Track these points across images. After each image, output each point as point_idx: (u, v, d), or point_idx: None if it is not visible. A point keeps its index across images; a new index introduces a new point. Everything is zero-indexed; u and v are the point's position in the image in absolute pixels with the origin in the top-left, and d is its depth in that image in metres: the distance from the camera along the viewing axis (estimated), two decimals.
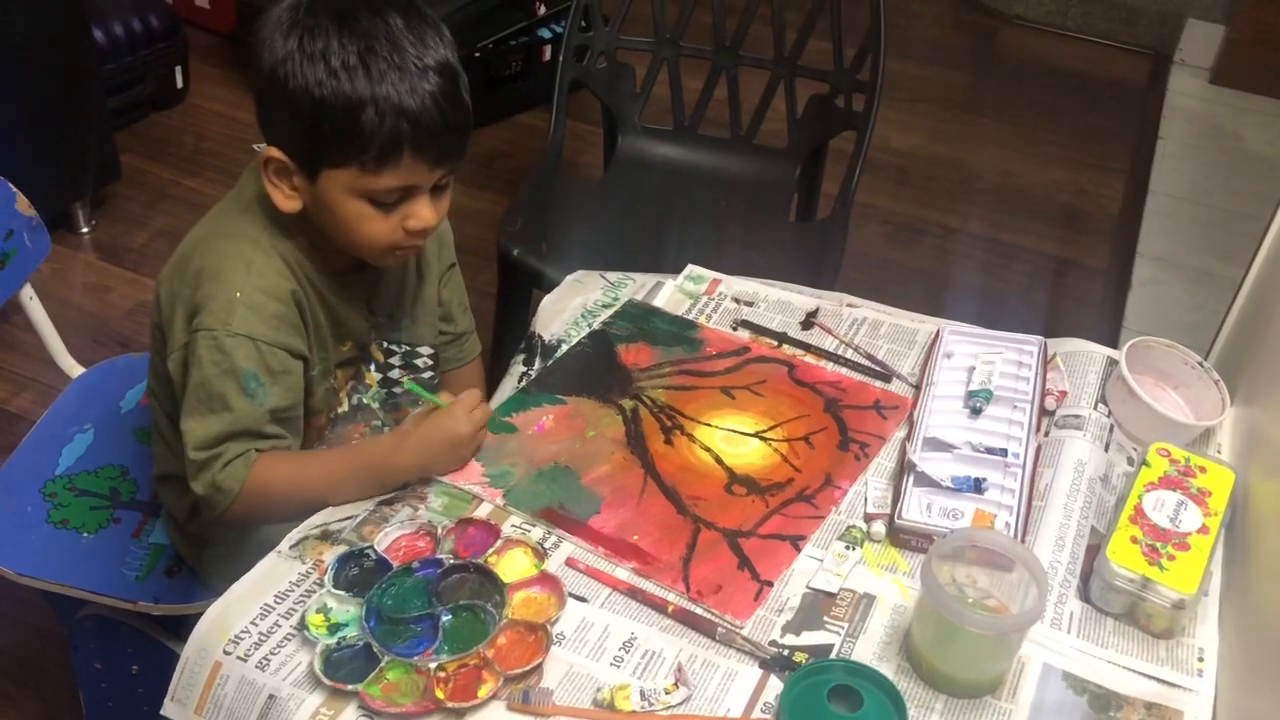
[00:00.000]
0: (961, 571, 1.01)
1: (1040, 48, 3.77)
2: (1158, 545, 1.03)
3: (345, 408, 1.27)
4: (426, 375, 1.33)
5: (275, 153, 1.09)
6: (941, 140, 3.23)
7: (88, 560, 1.35)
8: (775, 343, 1.32)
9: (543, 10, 2.99)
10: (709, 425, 1.21)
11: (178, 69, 2.91)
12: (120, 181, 2.62)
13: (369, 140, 1.05)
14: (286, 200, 1.12)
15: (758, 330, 1.34)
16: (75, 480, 1.43)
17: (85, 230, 2.56)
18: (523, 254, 1.76)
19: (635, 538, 1.08)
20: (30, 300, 1.49)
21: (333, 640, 0.97)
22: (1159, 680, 0.98)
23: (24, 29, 2.22)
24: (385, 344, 1.29)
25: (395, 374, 1.31)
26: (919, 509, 1.09)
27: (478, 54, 2.91)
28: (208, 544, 1.30)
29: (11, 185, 1.41)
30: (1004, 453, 1.14)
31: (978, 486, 1.11)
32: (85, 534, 1.37)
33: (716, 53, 2.04)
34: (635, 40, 2.05)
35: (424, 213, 1.12)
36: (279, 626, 0.99)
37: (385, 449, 1.13)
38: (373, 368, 1.29)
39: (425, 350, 1.33)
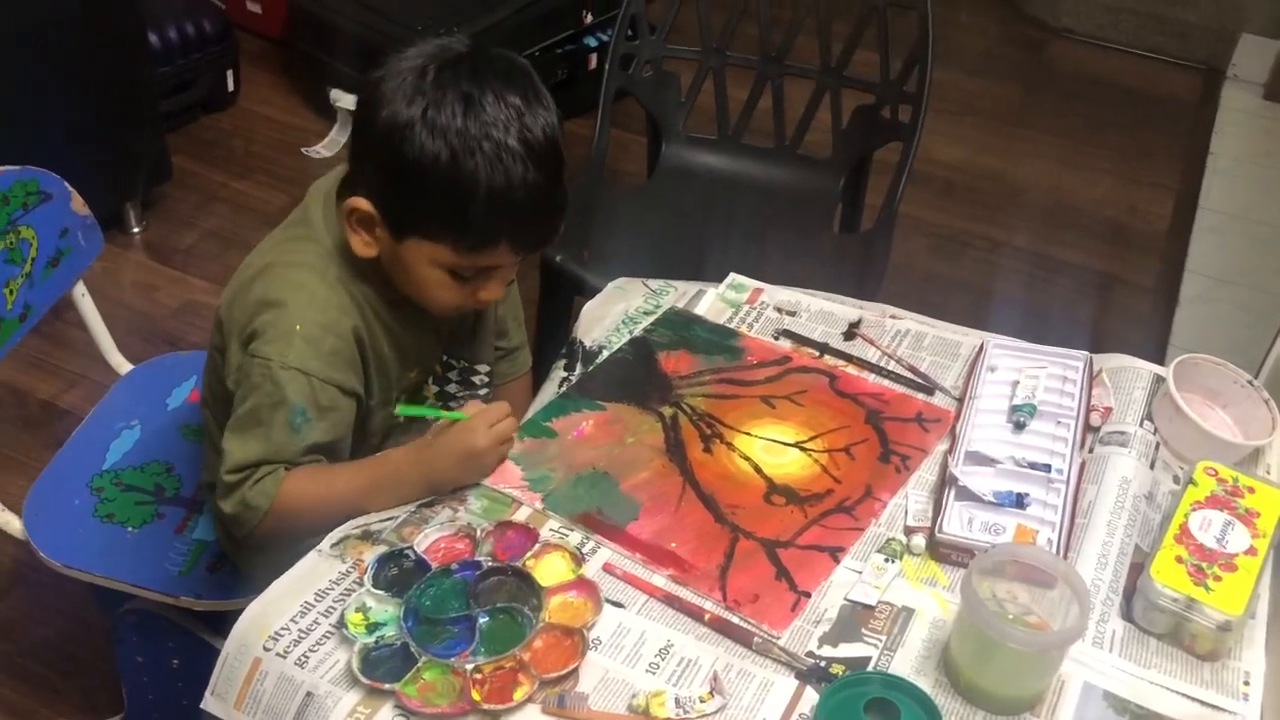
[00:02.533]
0: (1002, 587, 1.00)
1: (1090, 61, 3.73)
2: (1203, 565, 1.01)
3: (402, 420, 1.28)
4: (482, 392, 1.34)
5: (364, 205, 1.10)
6: (989, 153, 3.20)
7: (132, 554, 1.37)
8: (817, 353, 1.32)
9: (590, 19, 2.99)
10: (748, 434, 1.20)
11: (229, 73, 2.95)
12: (171, 183, 2.66)
13: (470, 228, 1.07)
14: (365, 247, 1.13)
15: (799, 340, 1.33)
16: (122, 475, 1.45)
17: (136, 230, 2.59)
18: (565, 260, 1.76)
19: (673, 545, 1.08)
20: (82, 298, 1.51)
21: (371, 639, 0.98)
22: (1203, 703, 0.96)
23: (81, 32, 2.25)
24: (446, 358, 1.30)
25: (452, 388, 1.32)
26: (960, 523, 1.08)
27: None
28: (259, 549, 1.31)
29: (68, 184, 1.43)
30: (1047, 468, 1.13)
31: (1020, 502, 1.10)
32: (130, 528, 1.40)
33: (762, 62, 2.04)
34: (681, 49, 2.05)
35: (497, 288, 1.15)
36: (318, 624, 1.00)
37: (406, 460, 1.13)
38: (431, 380, 1.30)
39: (482, 367, 1.34)
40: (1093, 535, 1.08)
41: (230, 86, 2.99)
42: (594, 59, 2.99)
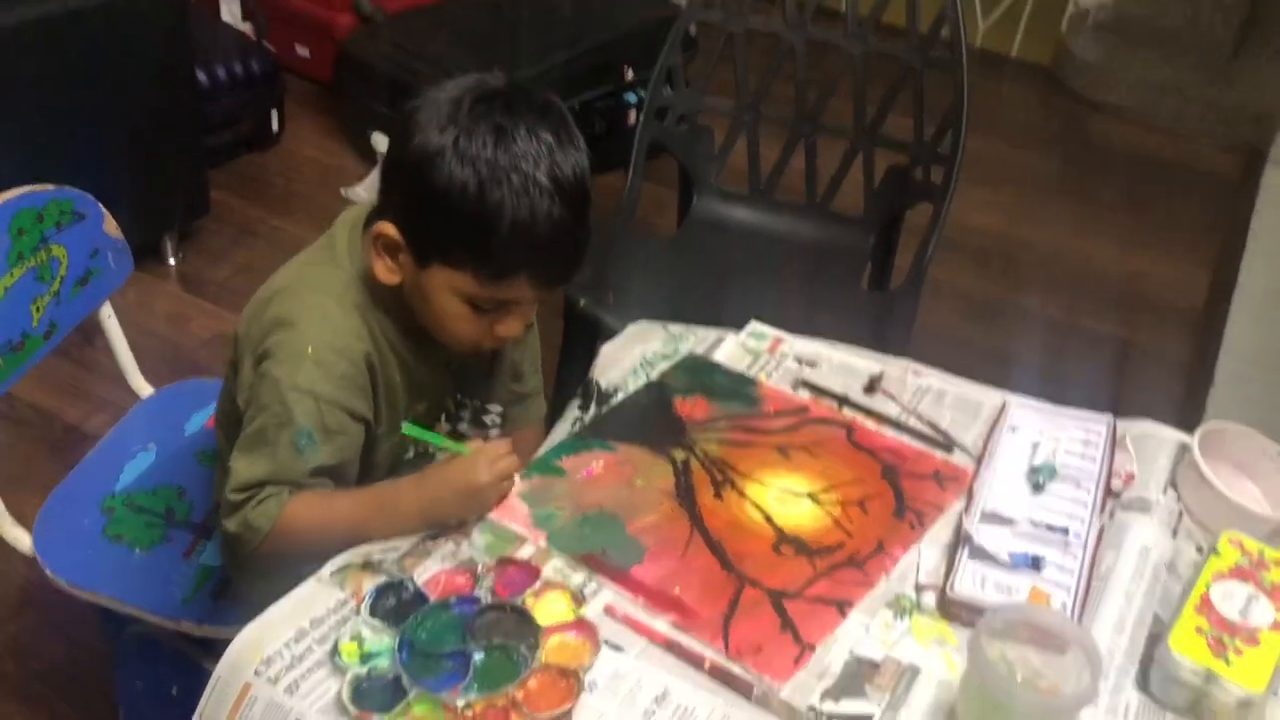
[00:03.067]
0: (1013, 650, 0.97)
1: (1130, 136, 3.72)
2: (1224, 638, 0.98)
3: (410, 455, 1.27)
4: (493, 432, 1.33)
5: (391, 230, 1.10)
6: (1025, 222, 3.19)
7: (137, 576, 1.36)
8: (836, 405, 1.30)
9: (631, 76, 3.03)
10: (761, 483, 1.19)
11: (274, 112, 3.01)
12: (209, 216, 2.70)
13: (492, 258, 1.07)
14: (388, 273, 1.13)
15: (818, 391, 1.32)
16: (133, 497, 1.45)
17: (173, 261, 2.63)
18: (589, 304, 1.76)
19: (677, 590, 1.05)
20: (109, 319, 1.52)
21: (363, 669, 0.96)
22: None
23: (131, 65, 2.31)
24: (459, 396, 1.30)
25: (464, 427, 1.31)
26: (973, 582, 1.05)
27: None
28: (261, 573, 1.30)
29: (101, 206, 1.45)
30: (1065, 531, 1.10)
31: (1035, 564, 1.07)
32: (138, 550, 1.39)
33: (797, 119, 2.05)
34: (717, 103, 2.06)
35: (516, 325, 1.14)
36: (312, 651, 0.98)
37: (406, 491, 1.11)
38: (443, 418, 1.29)
39: (495, 408, 1.33)
40: (1109, 601, 1.04)
41: (275, 126, 3.04)
42: (633, 114, 3.02)
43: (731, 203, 2.07)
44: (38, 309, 1.37)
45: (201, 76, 2.77)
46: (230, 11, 3.23)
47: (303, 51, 3.30)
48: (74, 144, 2.21)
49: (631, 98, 3.03)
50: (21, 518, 1.41)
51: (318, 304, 1.13)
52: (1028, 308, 2.84)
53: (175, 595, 1.35)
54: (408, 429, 1.15)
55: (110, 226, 1.47)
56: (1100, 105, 3.83)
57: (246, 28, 3.24)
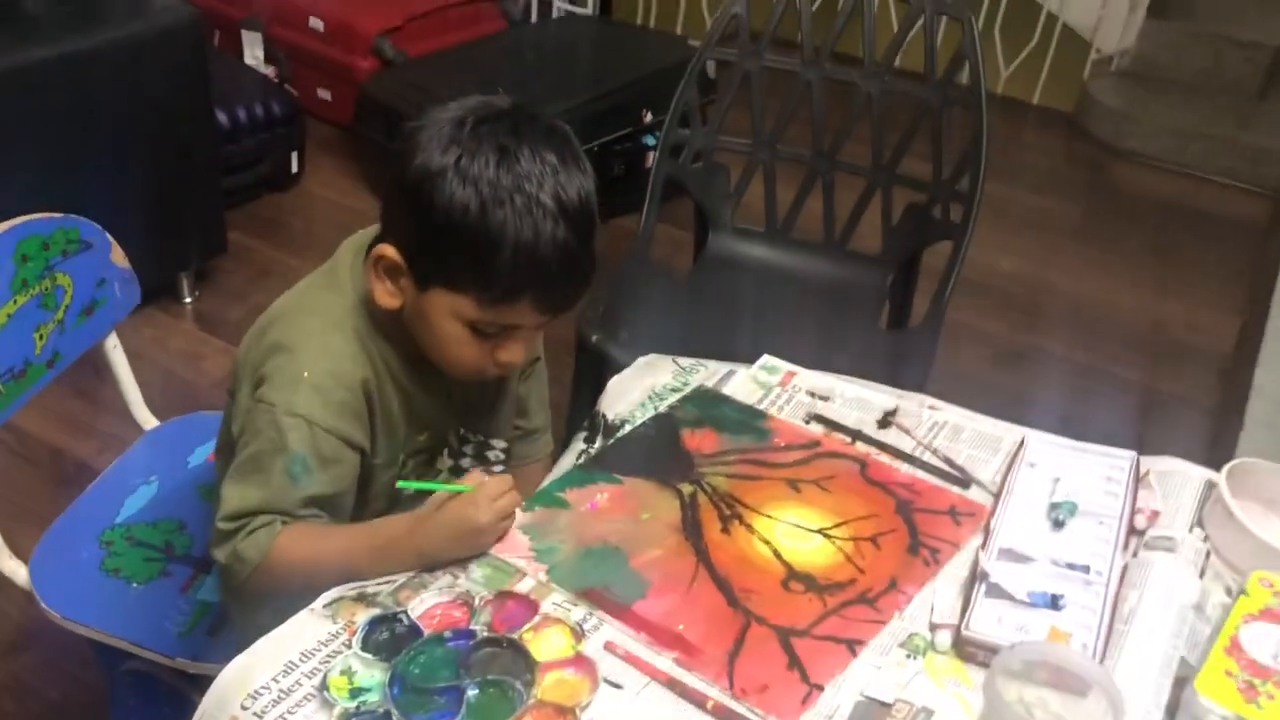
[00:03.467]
0: (1031, 692, 0.93)
1: (1155, 182, 3.69)
2: (1255, 682, 0.93)
3: (410, 492, 1.24)
4: (497, 468, 1.30)
5: (391, 252, 1.07)
6: (1049, 268, 3.16)
7: (133, 610, 1.33)
8: (849, 439, 1.26)
9: (649, 118, 3.03)
10: (770, 517, 1.15)
11: (294, 154, 3.03)
12: (226, 256, 2.70)
13: (495, 281, 1.04)
14: (388, 297, 1.10)
15: (831, 425, 1.28)
16: (133, 530, 1.43)
17: (189, 300, 2.63)
18: (601, 340, 1.74)
19: (680, 627, 1.01)
20: (114, 350, 1.51)
21: (352, 704, 0.93)
22: None
23: (149, 104, 2.32)
24: (462, 431, 1.27)
25: (466, 463, 1.28)
26: (989, 621, 1.01)
27: None
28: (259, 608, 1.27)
29: (109, 235, 1.44)
30: (1086, 569, 1.06)
31: (1055, 603, 1.02)
32: (135, 584, 1.36)
33: (814, 157, 2.03)
34: (733, 141, 2.05)
35: (518, 350, 1.11)
36: (300, 685, 0.95)
37: (402, 530, 1.08)
38: (445, 453, 1.26)
39: (499, 443, 1.30)
40: (1133, 643, 0.99)
41: (294, 168, 3.06)
42: (651, 157, 3.01)
43: (747, 241, 2.04)
44: (41, 337, 1.36)
45: (223, 117, 2.79)
46: (253, 55, 3.27)
47: (324, 94, 3.33)
48: (91, 180, 2.22)
49: (650, 140, 3.03)
50: (23, 553, 1.39)
51: (316, 330, 1.11)
52: (1051, 352, 2.80)
53: (170, 630, 1.32)
54: (403, 484, 1.11)
55: (118, 256, 1.46)
56: (1124, 152, 3.80)
57: (269, 71, 3.27)
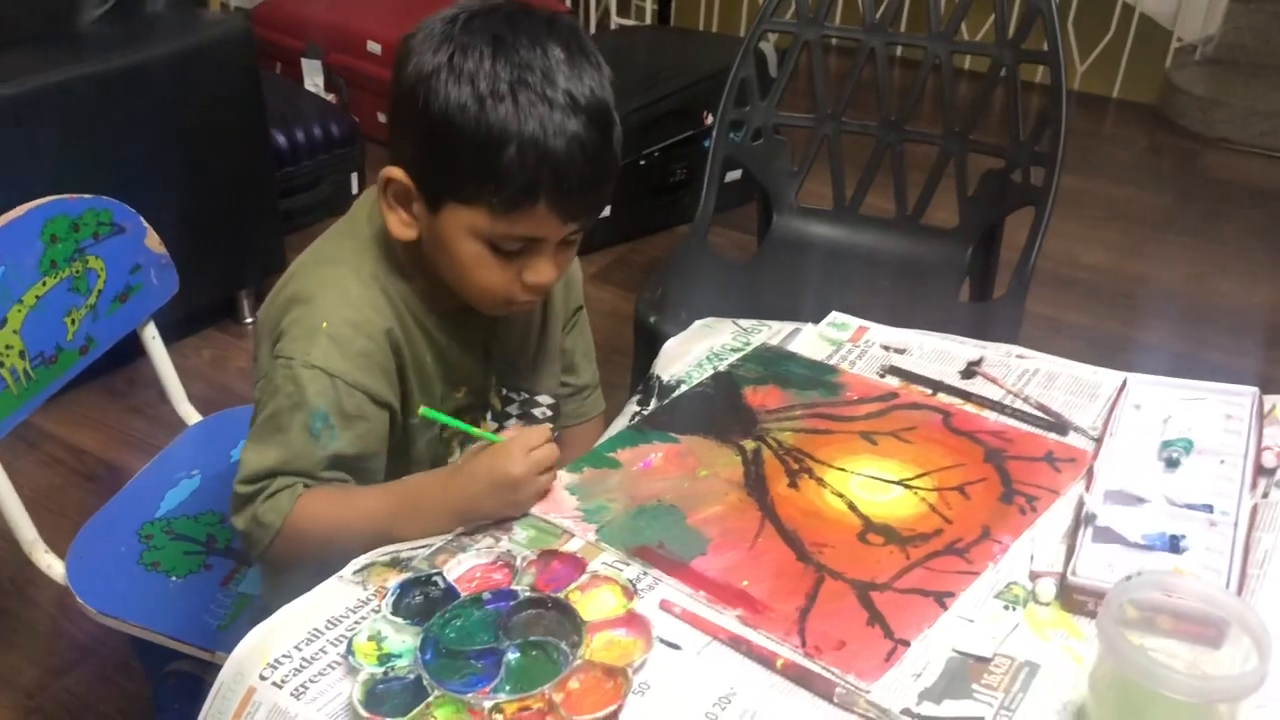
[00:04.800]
0: (1154, 643, 0.79)
1: (1248, 169, 3.51)
2: None
3: (455, 456, 1.15)
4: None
5: (398, 174, 0.99)
6: (1138, 258, 3.00)
7: (173, 604, 1.26)
8: (929, 390, 1.15)
9: (710, 120, 2.95)
10: (842, 470, 1.03)
11: (353, 176, 3.00)
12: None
13: (504, 182, 0.94)
14: (403, 227, 1.02)
15: (909, 377, 1.17)
16: (173, 524, 1.36)
17: (249, 320, 2.60)
18: (660, 321, 1.64)
19: (744, 583, 0.90)
20: (153, 340, 1.45)
21: (380, 670, 0.83)
22: None
23: (208, 129, 2.31)
24: (504, 390, 1.18)
25: (512, 424, 1.19)
26: (1099, 566, 0.88)
27: (643, 161, 2.89)
28: (275, 578, 1.19)
29: (144, 221, 1.39)
30: (1209, 509, 0.92)
31: (1175, 545, 0.89)
32: (174, 577, 1.29)
33: (881, 128, 1.92)
34: (794, 116, 1.95)
35: (545, 268, 1.01)
36: (324, 653, 0.86)
37: (432, 484, 0.99)
38: (489, 416, 1.17)
39: (545, 399, 1.21)
40: (1272, 588, 0.86)
41: (354, 190, 3.03)
42: None
43: (813, 220, 1.94)
44: (73, 322, 1.31)
45: (282, 140, 2.78)
46: (313, 82, 3.27)
47: (384, 118, 3.31)
48: (147, 197, 2.18)
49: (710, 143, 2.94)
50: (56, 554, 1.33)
51: (333, 277, 1.03)
52: (1148, 343, 2.63)
53: (211, 624, 1.24)
54: (425, 411, 1.02)
55: (152, 241, 1.40)
56: (1214, 140, 3.62)
57: (330, 97, 3.27)
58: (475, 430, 1.02)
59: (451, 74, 0.93)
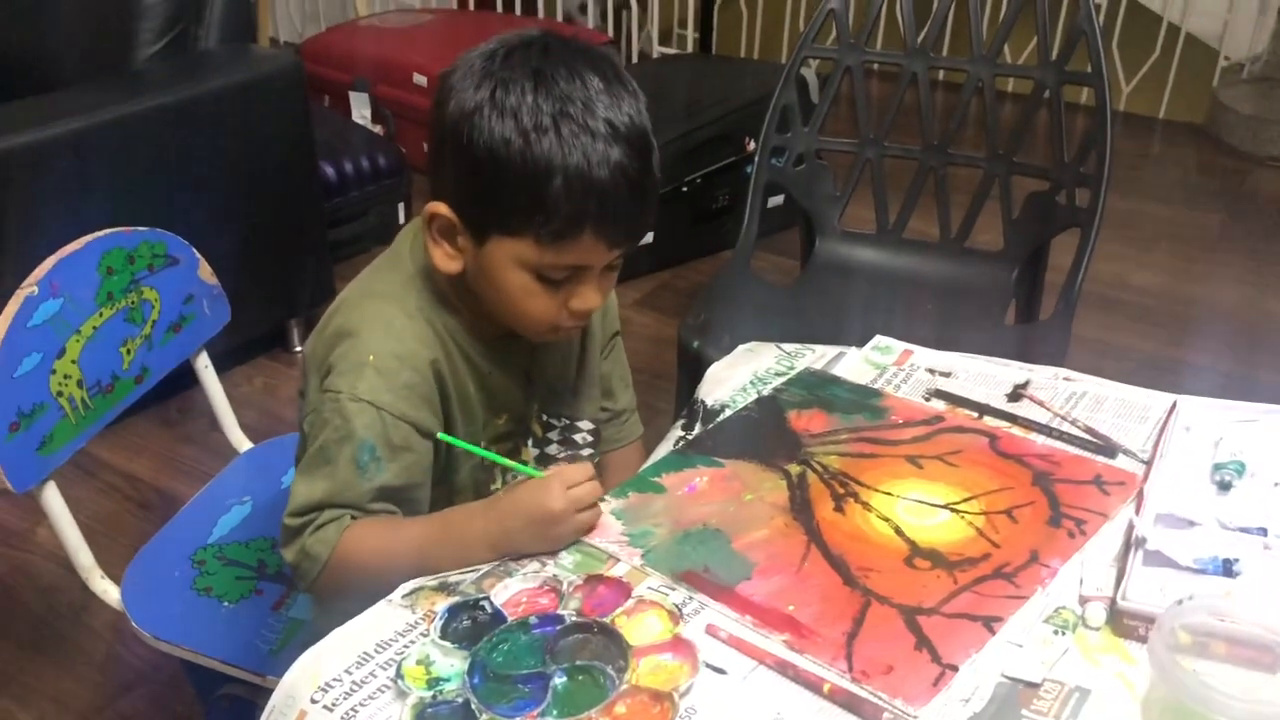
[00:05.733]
0: (1209, 668, 0.78)
1: None
2: None
3: (499, 485, 1.16)
4: (585, 453, 1.22)
5: (443, 209, 1.01)
6: (1187, 279, 2.96)
7: (224, 629, 1.28)
8: (975, 414, 1.14)
9: (752, 146, 2.96)
10: (889, 494, 1.03)
11: (400, 206, 3.04)
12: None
13: (551, 213, 0.96)
14: (448, 260, 1.03)
15: (955, 401, 1.16)
16: (225, 550, 1.38)
17: (299, 349, 2.63)
18: (703, 346, 1.65)
19: (790, 608, 0.90)
20: (205, 369, 1.48)
21: (429, 694, 0.84)
22: None
23: (259, 162, 2.35)
24: (545, 417, 1.19)
25: (553, 449, 1.20)
26: (1149, 590, 0.87)
27: (685, 188, 2.90)
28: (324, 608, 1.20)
29: (196, 251, 1.42)
30: (1264, 532, 0.91)
31: (1228, 568, 0.88)
32: (226, 603, 1.31)
33: (923, 151, 1.92)
34: (836, 141, 1.96)
35: (591, 294, 1.02)
36: (374, 676, 0.87)
37: (471, 516, 1.00)
38: (530, 443, 1.19)
39: (585, 425, 1.22)
40: None
41: (401, 220, 3.07)
42: None
43: (857, 245, 1.94)
44: (128, 352, 1.34)
45: (330, 171, 2.82)
46: (361, 114, 3.33)
47: None
48: (198, 228, 2.23)
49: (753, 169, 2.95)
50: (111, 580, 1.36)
51: (378, 311, 1.05)
52: (1199, 365, 2.59)
53: (262, 649, 1.26)
54: (442, 436, 1.03)
55: (205, 272, 1.43)
56: (1263, 158, 3.58)
57: (377, 129, 3.32)
58: (503, 460, 1.03)
59: (494, 109, 0.94)
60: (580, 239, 0.97)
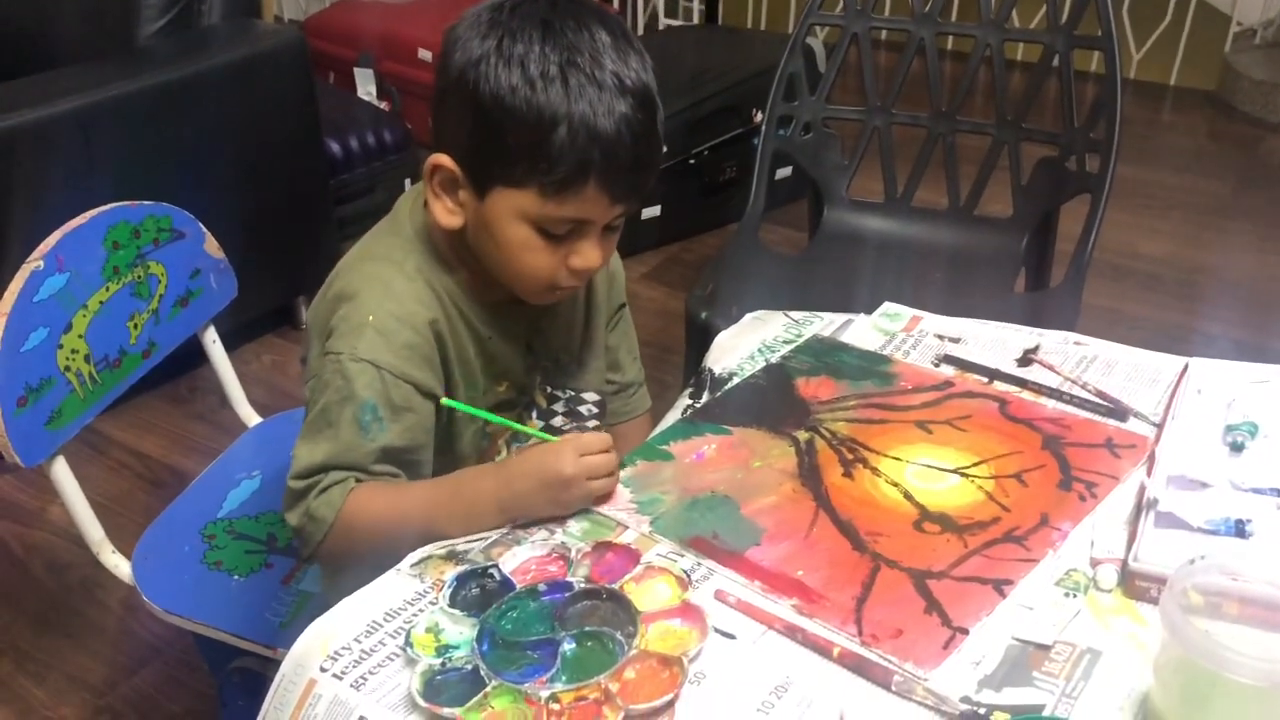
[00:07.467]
0: (1221, 628, 0.78)
1: None
2: None
3: (504, 455, 1.16)
4: (591, 424, 1.21)
5: (445, 161, 1.00)
6: (1198, 246, 2.94)
7: (235, 602, 1.28)
8: (985, 379, 1.13)
9: (759, 118, 2.94)
10: (897, 459, 1.03)
11: (406, 182, 3.02)
12: None
13: (555, 161, 0.95)
14: (448, 215, 1.02)
15: (965, 366, 1.15)
16: (235, 524, 1.39)
17: (305, 326, 2.63)
18: (711, 316, 1.64)
19: (799, 573, 0.90)
20: (213, 344, 1.48)
21: (438, 661, 0.84)
22: None
23: (264, 138, 2.34)
24: (550, 389, 1.18)
25: (559, 421, 1.20)
26: (1161, 552, 0.86)
27: (692, 160, 2.89)
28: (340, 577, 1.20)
29: (202, 226, 1.42)
30: (1277, 492, 0.90)
31: (1240, 529, 0.87)
32: (236, 576, 1.31)
33: (931, 119, 1.90)
34: (843, 109, 1.94)
35: (591, 252, 1.01)
36: (383, 645, 0.87)
37: (480, 479, 1.00)
38: (535, 414, 1.18)
39: (591, 396, 1.21)
40: None
41: None
42: None
43: (865, 213, 1.92)
44: (135, 326, 1.33)
45: (335, 147, 2.80)
46: (366, 91, 3.31)
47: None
48: (204, 205, 2.23)
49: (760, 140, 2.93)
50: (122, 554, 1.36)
51: (377, 273, 1.04)
52: (1210, 332, 2.58)
53: (272, 622, 1.26)
54: (445, 401, 1.03)
55: (211, 246, 1.43)
56: (1274, 125, 3.54)
57: (383, 105, 3.30)
58: (500, 420, 1.03)
59: (501, 58, 0.94)
60: (584, 190, 0.96)
